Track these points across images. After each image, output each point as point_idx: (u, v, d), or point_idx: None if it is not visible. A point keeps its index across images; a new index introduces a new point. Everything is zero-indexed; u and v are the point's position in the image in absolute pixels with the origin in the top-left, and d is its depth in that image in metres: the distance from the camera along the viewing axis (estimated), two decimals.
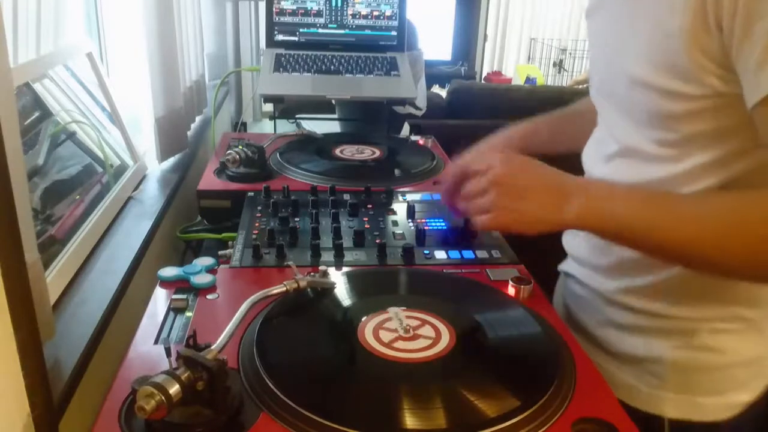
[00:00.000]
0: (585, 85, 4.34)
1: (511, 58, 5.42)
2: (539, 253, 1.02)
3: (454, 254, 0.94)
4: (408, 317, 0.74)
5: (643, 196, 0.69)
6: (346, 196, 1.13)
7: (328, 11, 1.59)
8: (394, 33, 1.62)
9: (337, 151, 1.40)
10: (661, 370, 0.78)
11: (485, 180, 0.71)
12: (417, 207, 1.09)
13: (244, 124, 2.01)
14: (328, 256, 0.92)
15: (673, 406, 0.78)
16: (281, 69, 1.52)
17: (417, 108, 2.48)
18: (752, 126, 0.63)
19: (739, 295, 0.74)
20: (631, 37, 0.69)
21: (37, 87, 1.05)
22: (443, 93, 3.82)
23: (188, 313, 0.77)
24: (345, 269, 0.89)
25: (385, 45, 1.62)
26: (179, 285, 0.83)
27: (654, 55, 0.66)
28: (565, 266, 0.97)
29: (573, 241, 0.93)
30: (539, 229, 0.69)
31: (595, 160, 0.85)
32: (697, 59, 0.62)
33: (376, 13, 1.60)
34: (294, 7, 1.58)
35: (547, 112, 1.06)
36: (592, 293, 0.86)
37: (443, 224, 1.04)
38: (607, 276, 0.84)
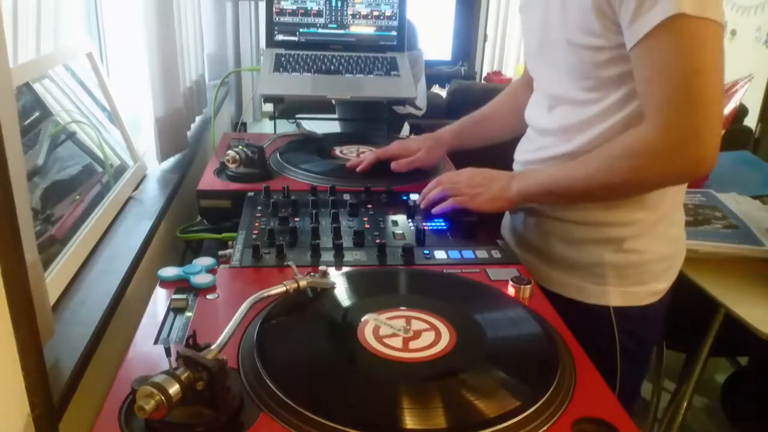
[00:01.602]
0: None
1: (511, 58, 5.41)
2: None
3: (454, 254, 0.94)
4: (396, 318, 0.74)
5: (554, 167, 0.99)
6: (346, 196, 1.13)
7: (328, 11, 1.59)
8: (394, 33, 1.62)
9: (337, 151, 1.40)
10: (603, 271, 1.00)
11: (460, 177, 1.06)
12: (417, 207, 1.09)
13: (244, 124, 2.01)
14: (328, 256, 0.92)
15: (615, 296, 1.01)
16: (281, 69, 1.52)
17: (417, 108, 2.48)
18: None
19: (641, 201, 0.97)
20: (562, 14, 0.93)
21: (37, 87, 1.05)
22: (443, 93, 3.82)
23: (188, 313, 0.77)
24: (345, 269, 0.89)
25: (385, 45, 1.62)
26: (179, 285, 0.83)
27: (579, 23, 0.90)
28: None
29: None
30: (495, 206, 1.02)
31: (537, 115, 1.08)
32: (603, 22, 0.87)
33: (376, 13, 1.60)
34: (294, 7, 1.58)
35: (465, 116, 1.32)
36: (541, 218, 1.06)
37: (443, 224, 1.04)
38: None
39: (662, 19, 0.79)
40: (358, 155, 1.34)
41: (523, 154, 1.12)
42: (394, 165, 1.23)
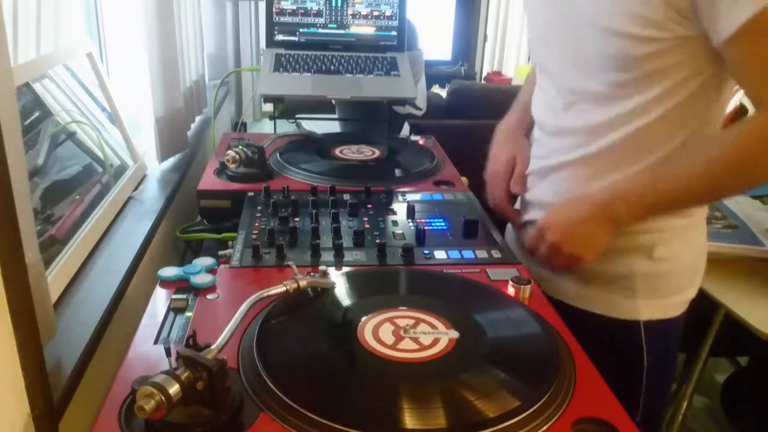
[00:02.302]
0: None
1: (511, 58, 5.41)
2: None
3: (454, 254, 0.94)
4: (397, 318, 0.74)
5: (654, 176, 0.85)
6: (346, 196, 1.13)
7: (328, 11, 1.59)
8: (394, 33, 1.62)
9: (337, 151, 1.40)
10: (632, 283, 0.94)
11: (546, 250, 0.91)
12: (417, 207, 1.09)
13: (244, 124, 2.01)
14: (328, 256, 0.92)
15: (645, 309, 0.95)
16: (281, 69, 1.52)
17: (417, 108, 2.48)
18: (690, 62, 0.81)
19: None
20: (594, 2, 0.82)
21: (37, 87, 1.05)
22: (443, 93, 3.82)
23: (188, 313, 0.77)
24: (345, 269, 0.89)
25: (385, 45, 1.62)
26: (179, 285, 0.83)
27: (629, 9, 0.79)
28: (529, 216, 1.05)
29: (534, 192, 1.03)
30: (603, 245, 0.88)
31: (548, 114, 0.98)
32: (666, 11, 0.77)
33: (376, 13, 1.60)
34: (294, 7, 1.58)
35: (515, 101, 1.18)
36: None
37: (443, 224, 1.04)
38: None
39: None
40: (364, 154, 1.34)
41: (534, 163, 1.03)
42: (514, 188, 1.07)
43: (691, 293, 0.98)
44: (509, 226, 1.13)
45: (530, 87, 1.16)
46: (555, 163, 0.97)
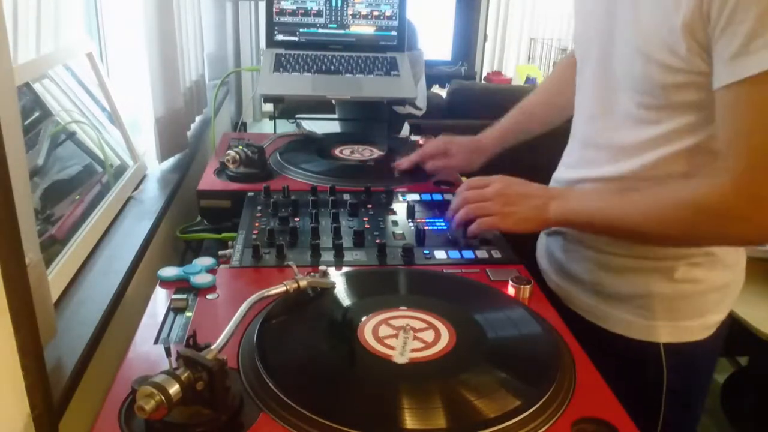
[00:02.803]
0: None
1: (511, 58, 5.41)
2: None
3: (454, 254, 0.94)
4: (397, 318, 0.74)
5: (602, 195, 0.88)
6: (346, 196, 1.13)
7: (328, 11, 1.59)
8: (394, 33, 1.62)
9: (337, 151, 1.40)
10: (652, 304, 0.90)
11: (488, 191, 0.91)
12: (417, 207, 1.09)
13: (244, 124, 2.01)
14: (328, 256, 0.92)
15: (666, 332, 0.91)
16: (281, 69, 1.52)
17: (417, 108, 2.48)
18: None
19: None
20: (637, 15, 0.81)
21: (37, 87, 1.05)
22: (443, 93, 3.82)
23: (188, 313, 0.77)
24: (345, 269, 0.89)
25: (385, 45, 1.62)
26: (179, 285, 0.83)
27: (659, 35, 0.77)
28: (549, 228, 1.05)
29: None
30: (528, 227, 0.90)
31: (581, 122, 0.97)
32: (690, 45, 0.74)
33: (376, 13, 1.60)
34: (294, 7, 1.58)
35: (510, 111, 1.22)
36: (581, 246, 0.96)
37: (443, 224, 1.04)
38: None
39: None
40: (362, 154, 1.34)
41: (563, 171, 1.02)
42: (429, 165, 1.20)
43: (718, 317, 0.93)
44: (542, 238, 1.10)
45: (538, 96, 1.20)
46: (581, 176, 0.95)
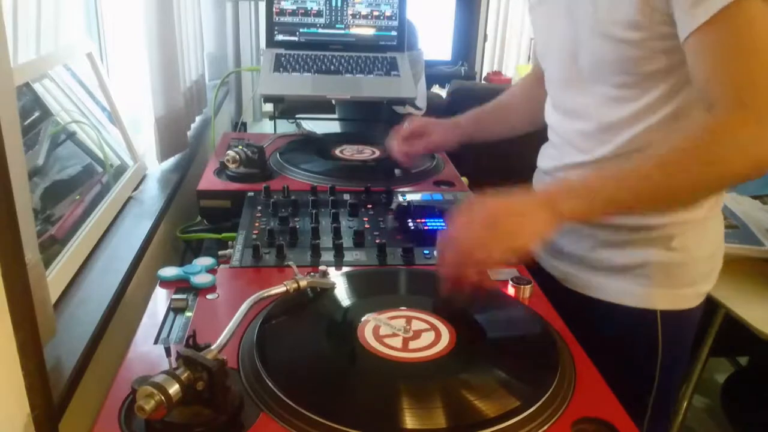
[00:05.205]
0: None
1: (511, 58, 5.41)
2: None
3: None
4: (396, 318, 0.74)
5: (610, 171, 0.80)
6: (346, 196, 1.13)
7: (328, 11, 1.59)
8: (394, 33, 1.62)
9: (337, 151, 1.40)
10: (649, 272, 0.93)
11: (476, 220, 0.76)
12: (417, 207, 1.09)
13: (244, 124, 2.01)
14: (328, 256, 0.92)
15: (662, 299, 0.94)
16: (281, 69, 1.52)
17: (417, 108, 2.47)
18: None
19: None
20: (592, 8, 0.85)
21: (37, 87, 1.05)
22: (443, 93, 3.82)
23: (188, 313, 0.77)
24: (345, 269, 0.89)
25: (385, 45, 1.62)
26: (179, 285, 0.83)
27: (617, 14, 0.82)
28: None
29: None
30: (539, 239, 0.76)
31: (558, 116, 0.99)
32: (648, 13, 0.79)
33: (376, 13, 1.60)
34: (294, 7, 1.58)
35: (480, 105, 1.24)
36: (580, 225, 0.96)
37: (443, 224, 1.04)
38: None
39: None
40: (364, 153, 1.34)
41: (547, 160, 1.04)
42: (412, 146, 1.21)
43: (707, 287, 0.98)
44: None
45: (513, 94, 1.24)
46: (569, 162, 0.97)
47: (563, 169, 0.99)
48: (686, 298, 0.96)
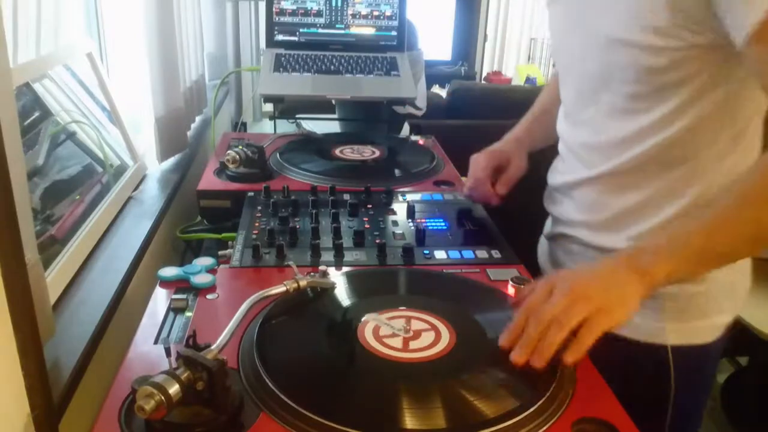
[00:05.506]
0: None
1: (511, 58, 5.41)
2: (519, 224, 1.11)
3: (454, 254, 0.94)
4: (396, 318, 0.74)
5: (694, 224, 0.72)
6: (346, 196, 1.13)
7: (328, 11, 1.59)
8: (394, 33, 1.62)
9: (337, 151, 1.40)
10: (659, 305, 0.86)
11: (557, 297, 0.67)
12: (417, 207, 1.09)
13: (244, 124, 2.01)
14: (328, 256, 0.92)
15: (673, 333, 0.86)
16: (281, 69, 1.52)
17: (417, 108, 2.47)
18: (707, 71, 0.76)
19: None
20: (610, 6, 0.79)
21: (37, 87, 1.05)
22: (443, 93, 3.82)
23: (188, 313, 0.77)
24: (345, 269, 0.89)
25: (385, 45, 1.62)
26: (179, 285, 0.83)
27: (638, 19, 0.76)
28: (551, 230, 1.02)
29: (558, 207, 0.99)
30: (634, 310, 0.68)
31: (570, 128, 0.95)
32: (675, 18, 0.73)
33: (376, 13, 1.60)
34: (294, 7, 1.58)
35: (525, 114, 1.15)
36: (586, 248, 0.92)
37: (443, 224, 1.04)
38: (600, 230, 0.90)
39: None
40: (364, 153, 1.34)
41: (556, 175, 0.99)
42: (499, 188, 1.05)
43: (725, 318, 0.89)
44: (542, 241, 1.07)
45: (549, 95, 1.12)
46: (578, 178, 0.92)
47: (571, 186, 0.94)
48: (699, 331, 0.88)
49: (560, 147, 0.99)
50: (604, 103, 0.86)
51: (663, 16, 0.73)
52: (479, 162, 1.07)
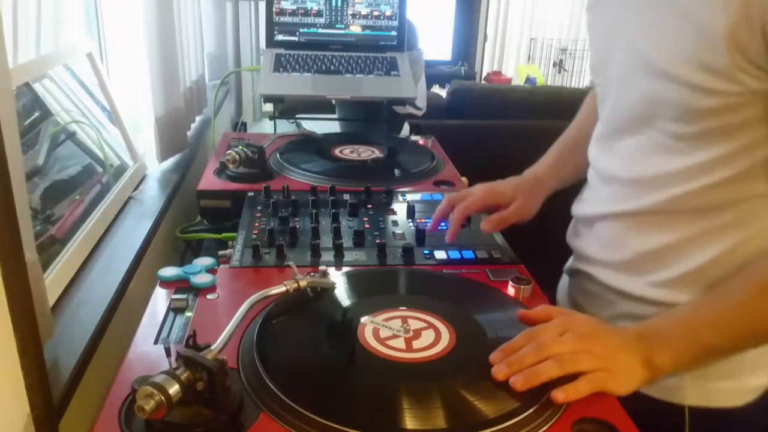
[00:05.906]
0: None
1: (511, 58, 5.41)
2: (542, 255, 1.05)
3: (454, 254, 0.94)
4: (396, 318, 0.74)
5: (697, 319, 0.70)
6: (346, 196, 1.13)
7: (328, 11, 1.59)
8: (394, 33, 1.62)
9: (337, 151, 1.40)
10: None
11: (566, 338, 0.65)
12: (417, 207, 1.09)
13: (244, 124, 2.01)
14: (328, 256, 0.92)
15: (692, 392, 0.78)
16: (281, 69, 1.52)
17: (417, 108, 2.47)
18: (764, 122, 0.68)
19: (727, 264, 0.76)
20: (657, 31, 0.71)
21: (37, 87, 1.05)
22: (443, 93, 3.82)
23: (188, 313, 0.77)
24: (345, 269, 0.89)
25: (385, 45, 1.62)
26: (179, 285, 0.83)
27: (691, 53, 0.67)
28: (572, 265, 0.97)
29: (581, 241, 0.93)
30: (635, 388, 0.65)
31: (602, 155, 0.87)
32: (736, 59, 0.64)
33: (376, 13, 1.60)
34: (294, 7, 1.58)
35: (552, 145, 1.06)
36: (604, 289, 0.86)
37: (443, 224, 1.04)
38: (620, 271, 0.84)
39: None
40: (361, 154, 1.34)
41: (582, 205, 0.92)
42: (484, 225, 0.95)
43: (759, 379, 0.78)
44: (564, 278, 1.01)
45: (585, 118, 1.03)
46: (603, 212, 0.85)
47: (594, 219, 0.87)
48: (725, 393, 0.77)
49: (589, 174, 0.92)
50: (641, 136, 0.78)
51: (722, 57, 0.65)
52: (474, 196, 0.96)
